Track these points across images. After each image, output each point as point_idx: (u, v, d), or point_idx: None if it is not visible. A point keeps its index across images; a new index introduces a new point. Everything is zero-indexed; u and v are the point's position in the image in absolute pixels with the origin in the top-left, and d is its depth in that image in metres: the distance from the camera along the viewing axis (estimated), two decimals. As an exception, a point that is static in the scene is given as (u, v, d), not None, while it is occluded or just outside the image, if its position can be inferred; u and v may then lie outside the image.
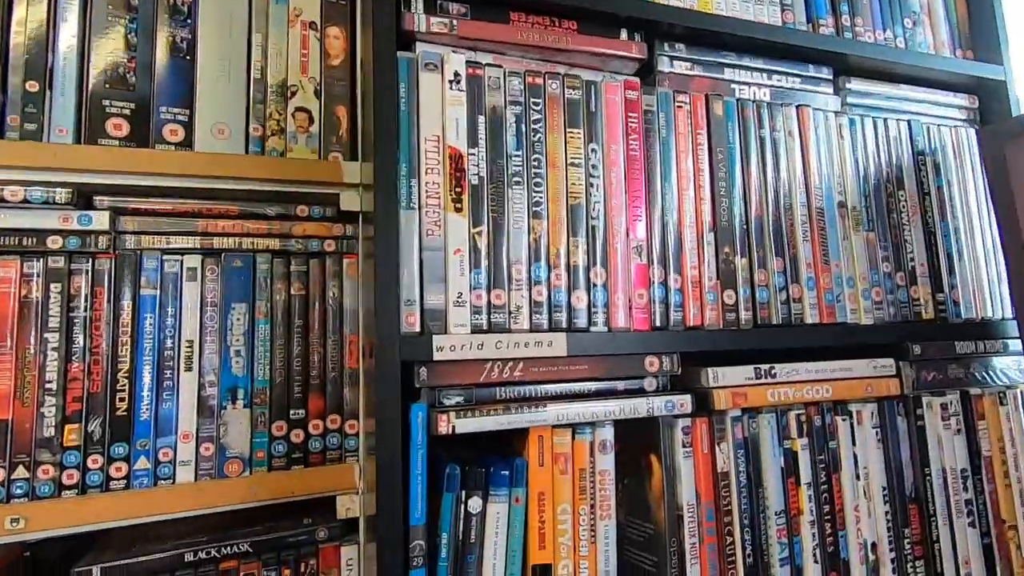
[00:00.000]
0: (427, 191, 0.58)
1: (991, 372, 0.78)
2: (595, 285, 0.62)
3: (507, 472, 0.56)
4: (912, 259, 0.79)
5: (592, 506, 0.58)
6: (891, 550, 0.70)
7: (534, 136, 0.62)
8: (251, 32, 0.79)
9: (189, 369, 0.70)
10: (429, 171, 0.58)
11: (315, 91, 0.82)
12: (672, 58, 0.71)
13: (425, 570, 0.52)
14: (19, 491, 0.63)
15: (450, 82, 0.59)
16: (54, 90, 0.71)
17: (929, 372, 0.75)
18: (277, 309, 0.75)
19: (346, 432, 0.75)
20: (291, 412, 0.74)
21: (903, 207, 0.80)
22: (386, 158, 0.55)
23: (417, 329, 0.56)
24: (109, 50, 0.73)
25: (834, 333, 0.72)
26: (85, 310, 0.67)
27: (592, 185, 0.64)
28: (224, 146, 0.77)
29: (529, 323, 0.59)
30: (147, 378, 0.68)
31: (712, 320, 0.67)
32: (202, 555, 0.67)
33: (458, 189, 0.58)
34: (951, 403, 0.75)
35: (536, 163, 0.62)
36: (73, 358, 0.66)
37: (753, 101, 0.73)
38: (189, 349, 0.70)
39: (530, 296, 0.60)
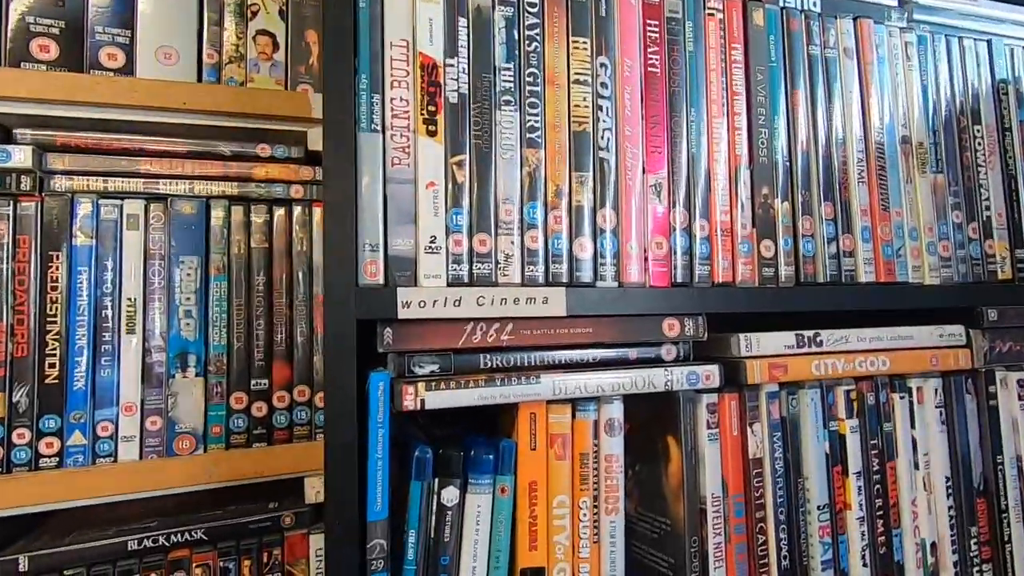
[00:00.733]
0: (393, 110, 0.46)
1: (1079, 343, 0.65)
2: (603, 231, 0.51)
3: (491, 456, 0.45)
4: (988, 208, 0.66)
5: (595, 498, 0.48)
6: (954, 552, 0.59)
7: (529, 45, 0.50)
8: (201, -63, 0.68)
9: (131, 332, 0.61)
10: (396, 84, 0.46)
11: (280, 11, 0.71)
12: (702, -44, 0.58)
13: (387, 573, 0.42)
14: (-71, 469, 0.54)
15: (423, -26, 0.47)
16: (-37, 1, 0.60)
17: (1005, 342, 0.63)
18: (235, 264, 0.64)
19: (316, 405, 0.66)
20: (252, 382, 0.64)
21: (979, 145, 0.66)
22: (337, 64, 0.43)
23: (380, 281, 0.45)
24: (29, -46, 0.62)
25: (893, 294, 0.60)
26: (5, 261, 0.57)
27: (601, 108, 0.52)
28: (172, 73, 0.66)
29: (521, 275, 0.48)
30: (82, 341, 0.59)
31: (746, 276, 0.55)
32: (148, 543, 0.58)
33: (432, 108, 0.47)
34: (1030, 379, 0.63)
35: (532, 79, 0.50)
36: (-10, 316, 0.57)
37: (801, 10, 0.60)
38: (131, 308, 0.61)
39: (522, 243, 0.49)
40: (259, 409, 0.64)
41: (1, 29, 0.62)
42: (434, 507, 0.44)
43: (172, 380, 0.61)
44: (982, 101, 0.67)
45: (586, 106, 0.52)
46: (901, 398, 0.59)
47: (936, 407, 0.60)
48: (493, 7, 0.50)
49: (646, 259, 0.52)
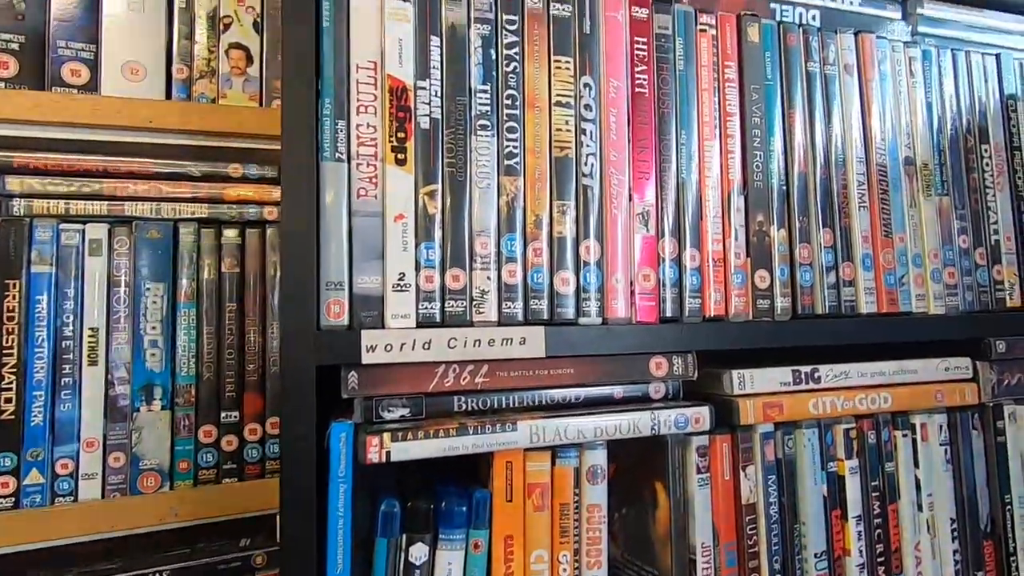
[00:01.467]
0: (359, 137, 0.43)
1: (1091, 374, 0.62)
2: (586, 263, 0.48)
3: (463, 508, 0.42)
4: (996, 231, 0.62)
5: (576, 551, 0.45)
6: (959, 598, 0.56)
7: (508, 65, 0.47)
8: (169, -53, 0.65)
9: (94, 363, 0.58)
10: (362, 110, 0.43)
11: (254, 23, 0.68)
12: (694, -32, 0.55)
13: (350, 639, 0.39)
14: None
15: (393, -9, 0.44)
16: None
17: (1014, 374, 0.60)
18: (204, 289, 0.61)
19: (290, 438, 0.63)
20: (222, 414, 0.61)
21: (986, 165, 0.63)
22: (297, 88, 0.40)
23: (344, 322, 0.42)
24: (-15, -34, 0.59)
25: (895, 326, 0.56)
26: (-43, 291, 0.54)
27: (585, 132, 0.49)
28: (139, 90, 0.63)
29: (498, 313, 0.45)
30: (40, 374, 0.56)
31: (739, 309, 0.52)
32: (109, 586, 0.55)
33: (401, 135, 0.44)
34: (1041, 414, 0.60)
35: (510, 102, 0.47)
36: (-60, 350, 0.54)
37: (799, 25, 0.57)
38: (93, 339, 0.58)
39: (499, 278, 0.45)
40: (229, 443, 0.61)
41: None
42: (401, 566, 0.41)
43: (136, 414, 0.58)
44: (990, 118, 0.64)
45: (568, 130, 0.48)
46: (904, 436, 0.56)
47: (941, 445, 0.57)
48: (469, 25, 0.47)
49: (632, 292, 0.49)
